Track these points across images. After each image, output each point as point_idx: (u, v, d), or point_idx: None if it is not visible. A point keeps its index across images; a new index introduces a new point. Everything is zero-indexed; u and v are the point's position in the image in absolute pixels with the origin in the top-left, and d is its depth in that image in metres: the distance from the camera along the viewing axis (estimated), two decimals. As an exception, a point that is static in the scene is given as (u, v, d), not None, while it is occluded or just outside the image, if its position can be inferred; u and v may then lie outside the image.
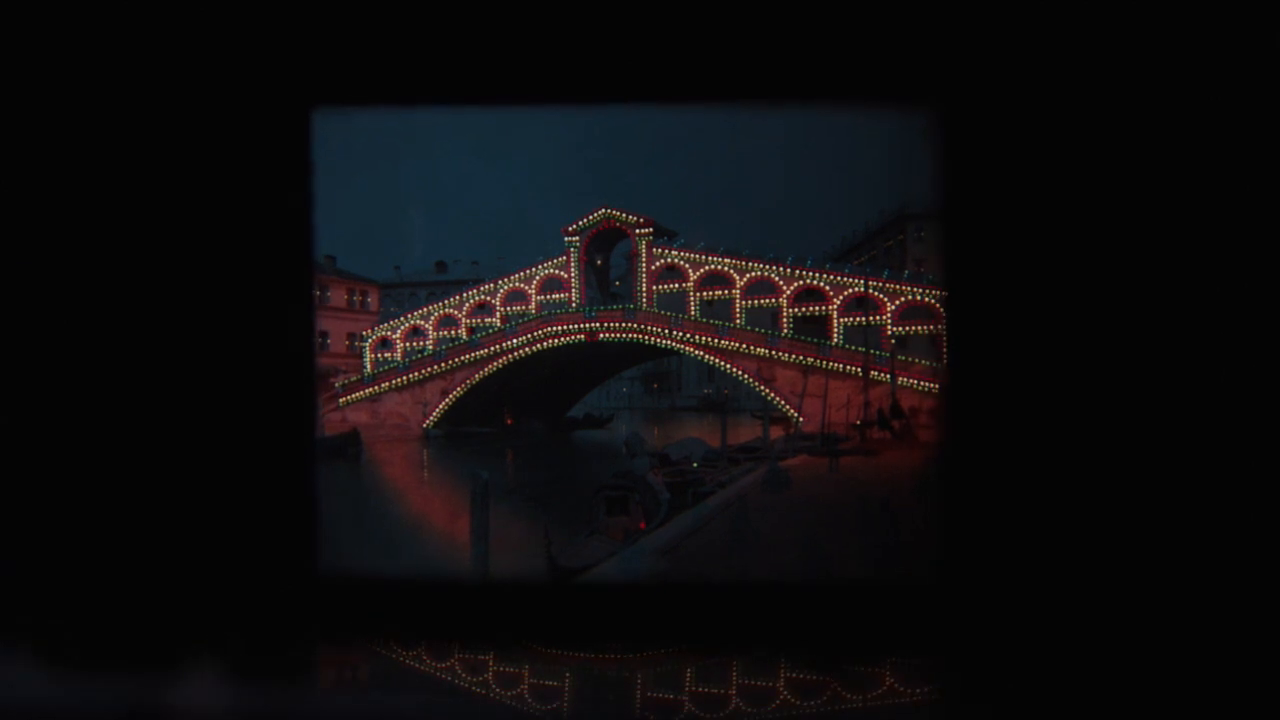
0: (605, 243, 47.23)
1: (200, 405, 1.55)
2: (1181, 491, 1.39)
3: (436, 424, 45.72)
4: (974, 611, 1.48)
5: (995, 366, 1.44)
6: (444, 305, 49.61)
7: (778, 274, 41.44)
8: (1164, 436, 1.39)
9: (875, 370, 35.51)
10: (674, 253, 43.68)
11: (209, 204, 1.54)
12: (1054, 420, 1.42)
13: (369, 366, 48.83)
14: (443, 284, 63.59)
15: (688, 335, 42.06)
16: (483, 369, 45.19)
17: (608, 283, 48.72)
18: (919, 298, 38.15)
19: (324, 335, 52.85)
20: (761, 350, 39.95)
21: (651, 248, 43.97)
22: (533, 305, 46.79)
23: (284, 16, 1.49)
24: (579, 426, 53.48)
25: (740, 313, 41.75)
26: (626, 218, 45.11)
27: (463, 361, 45.60)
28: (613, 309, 44.25)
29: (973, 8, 1.42)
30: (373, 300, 60.26)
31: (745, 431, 37.03)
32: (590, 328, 43.94)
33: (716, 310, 42.58)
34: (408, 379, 46.47)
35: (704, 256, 43.28)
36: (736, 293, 42.09)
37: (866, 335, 37.30)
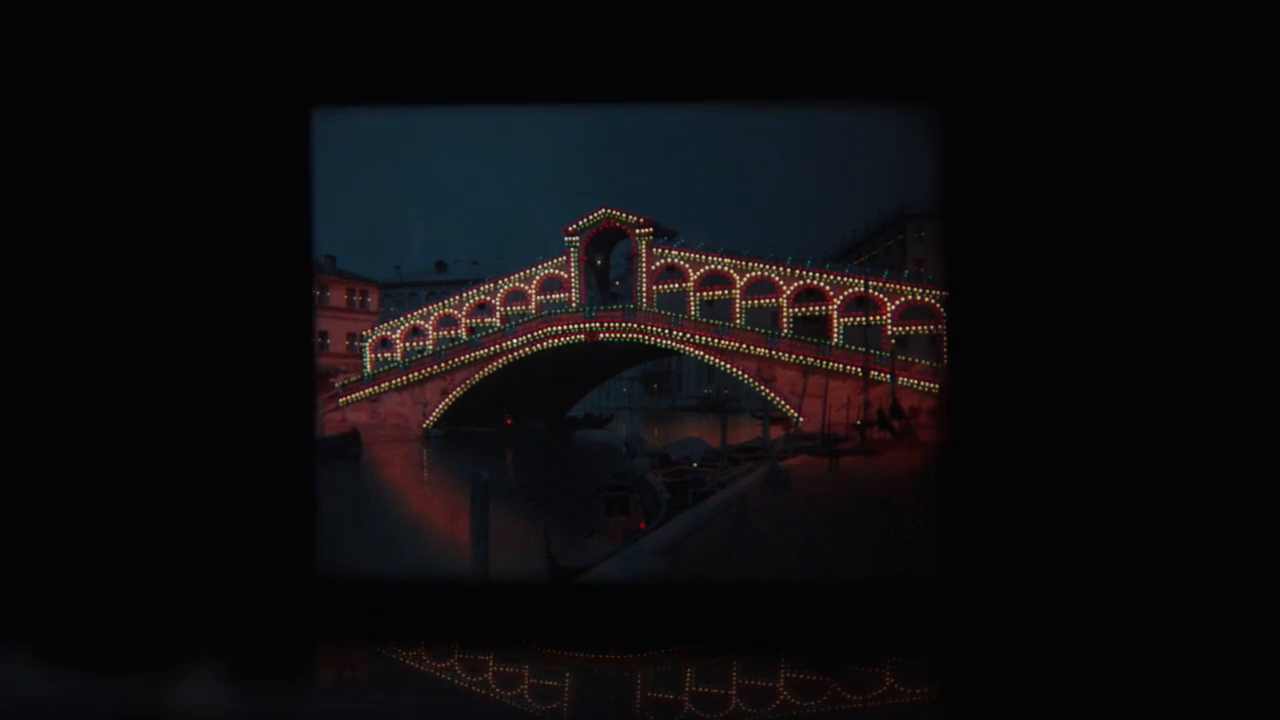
0: (605, 243, 47.22)
1: (199, 405, 1.55)
2: (1182, 491, 1.39)
3: (436, 424, 45.72)
4: (974, 612, 1.48)
5: (996, 366, 1.44)
6: (444, 305, 49.61)
7: (778, 274, 41.45)
8: (1165, 436, 1.39)
9: (875, 370, 35.51)
10: (674, 253, 43.68)
11: (208, 204, 1.54)
12: (1055, 420, 1.42)
13: (369, 366, 48.83)
14: (443, 284, 63.61)
15: (688, 335, 42.06)
16: (483, 369, 45.19)
17: (608, 283, 48.71)
18: (919, 298, 38.15)
19: (324, 335, 52.87)
20: (761, 350, 39.94)
21: (651, 248, 43.97)
22: (533, 305, 46.79)
23: (283, 16, 1.49)
24: (579, 426, 53.47)
25: (740, 313, 41.75)
26: (626, 218, 45.11)
27: (463, 361, 45.59)
28: (613, 309, 44.25)
29: (973, 7, 1.42)
30: (373, 300, 60.27)
31: (745, 431, 37.03)
32: (590, 328, 43.94)
33: (716, 310, 42.58)
34: (407, 379, 46.47)
35: (704, 256, 43.28)
36: (736, 293, 42.10)
37: (866, 335, 37.31)
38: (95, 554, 1.57)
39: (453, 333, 48.09)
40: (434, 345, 47.85)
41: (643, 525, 15.94)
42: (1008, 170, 1.42)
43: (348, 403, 46.66)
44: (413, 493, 29.82)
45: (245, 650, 1.59)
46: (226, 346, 1.56)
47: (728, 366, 41.40)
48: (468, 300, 48.79)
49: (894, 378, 34.70)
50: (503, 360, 44.93)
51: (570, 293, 45.96)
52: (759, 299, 41.72)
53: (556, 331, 44.33)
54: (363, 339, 51.59)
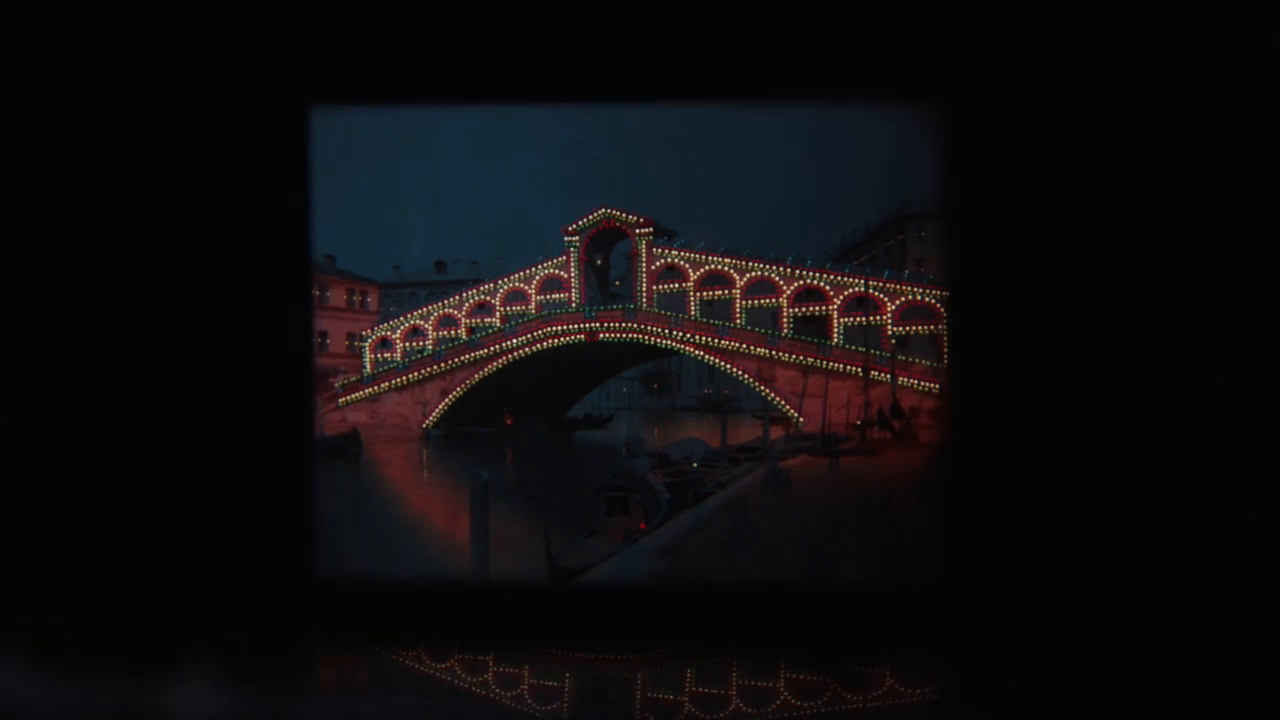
0: (605, 243, 47.22)
1: (198, 406, 1.55)
2: (1183, 492, 1.39)
3: (436, 424, 45.72)
4: (974, 612, 1.48)
5: (997, 366, 1.44)
6: (444, 305, 49.60)
7: (778, 274, 41.44)
8: (1166, 437, 1.39)
9: (875, 370, 35.52)
10: (674, 252, 43.68)
11: (207, 203, 1.53)
12: (1055, 421, 1.41)
13: (368, 366, 48.82)
14: (442, 284, 63.60)
15: (688, 335, 42.06)
16: (482, 369, 45.18)
17: (608, 283, 48.71)
18: (919, 298, 38.15)
19: (323, 335, 52.85)
20: (761, 350, 39.94)
21: (651, 247, 43.97)
22: (533, 305, 46.79)
23: (282, 14, 1.49)
24: (579, 426, 53.47)
25: (740, 313, 41.74)
26: (626, 217, 45.11)
27: (462, 361, 45.59)
28: (613, 309, 44.25)
29: (973, 7, 1.41)
30: (372, 300, 60.28)
31: (745, 431, 37.03)
32: (590, 328, 43.94)
33: (716, 310, 42.57)
34: (407, 379, 46.48)
35: (704, 256, 43.28)
36: (736, 293, 42.09)
37: (867, 335, 37.30)
38: (95, 555, 1.56)
39: (453, 333, 48.09)
40: (434, 345, 47.84)
41: (643, 525, 15.93)
42: (1009, 169, 1.42)
43: (347, 403, 46.65)
44: (412, 493, 29.81)
45: (245, 651, 1.58)
46: (225, 346, 1.55)
47: (728, 366, 41.40)
48: (468, 300, 48.78)
49: (894, 378, 34.70)
50: (503, 360, 44.93)
51: (570, 293, 45.96)
52: (759, 299, 41.72)
53: (556, 331, 44.33)
54: (362, 339, 51.59)
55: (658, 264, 43.88)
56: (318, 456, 1.70)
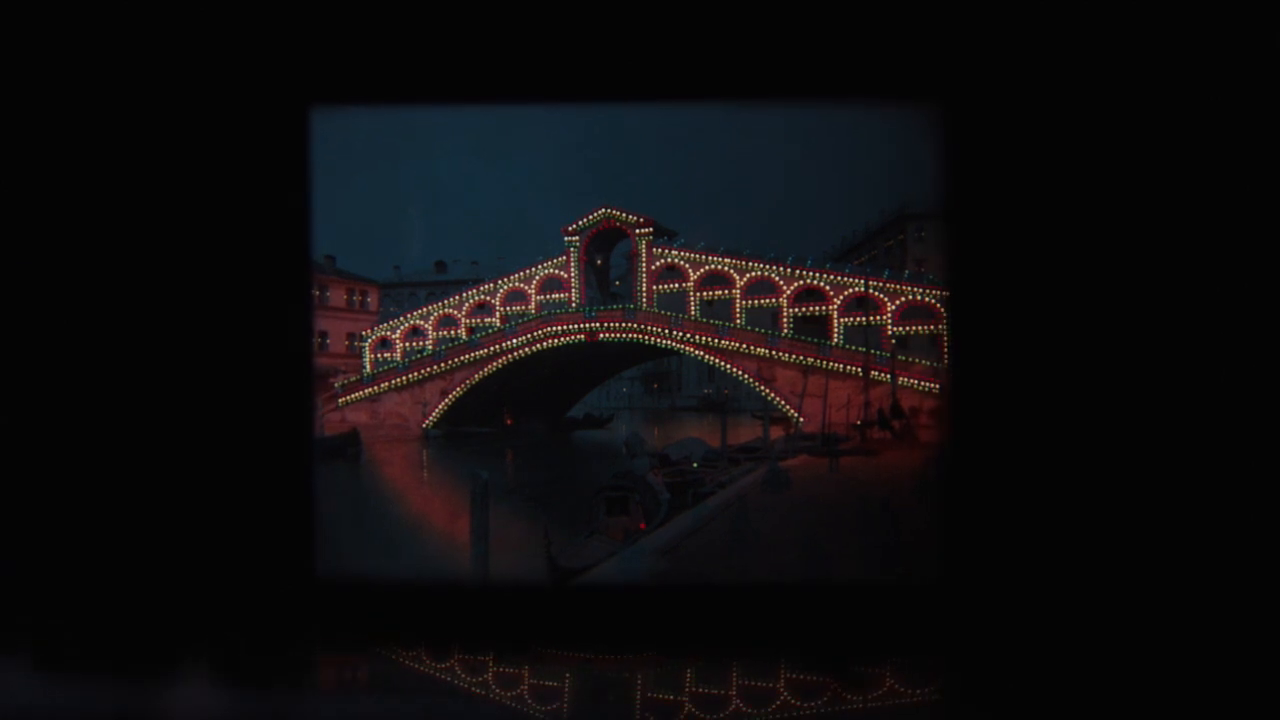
0: (605, 243, 47.22)
1: (198, 406, 1.55)
2: (1182, 492, 1.39)
3: (436, 424, 45.72)
4: (974, 612, 1.48)
5: (997, 366, 1.44)
6: (444, 305, 49.60)
7: (778, 274, 41.44)
8: (1166, 437, 1.39)
9: (876, 370, 35.53)
10: (674, 252, 43.68)
11: (206, 203, 1.53)
12: (1056, 421, 1.41)
13: (368, 366, 48.82)
14: (442, 284, 63.61)
15: (688, 335, 42.06)
16: (482, 369, 45.18)
17: (608, 283, 48.70)
18: (919, 298, 38.15)
19: (323, 335, 52.85)
20: (761, 350, 39.94)
21: (651, 247, 43.97)
22: (533, 305, 46.79)
23: (282, 14, 1.49)
24: (579, 426, 53.47)
25: (740, 313, 41.75)
26: (626, 217, 45.11)
27: (462, 361, 45.59)
28: (613, 309, 44.25)
29: (973, 7, 1.41)
30: (372, 300, 60.28)
31: (745, 431, 37.03)
32: (590, 328, 43.94)
33: (716, 310, 42.58)
34: (407, 379, 46.47)
35: (704, 256, 43.28)
36: (736, 293, 42.10)
37: (867, 335, 37.31)
38: (95, 555, 1.56)
39: (452, 333, 48.08)
40: (434, 345, 47.84)
41: (643, 525, 15.93)
42: (1009, 169, 1.42)
43: (347, 403, 46.65)
44: (412, 493, 29.81)
45: (245, 651, 1.58)
46: (225, 347, 1.55)
47: (728, 366, 41.41)
48: (467, 300, 48.78)
49: (894, 378, 34.70)
50: (502, 360, 44.92)
51: (570, 293, 45.96)
52: (759, 299, 41.72)
53: (556, 331, 44.33)
54: (362, 339, 51.58)
55: (658, 264, 43.88)
56: (318, 456, 1.70)
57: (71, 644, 1.55)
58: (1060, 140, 1.40)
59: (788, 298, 41.14)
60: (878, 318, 38.70)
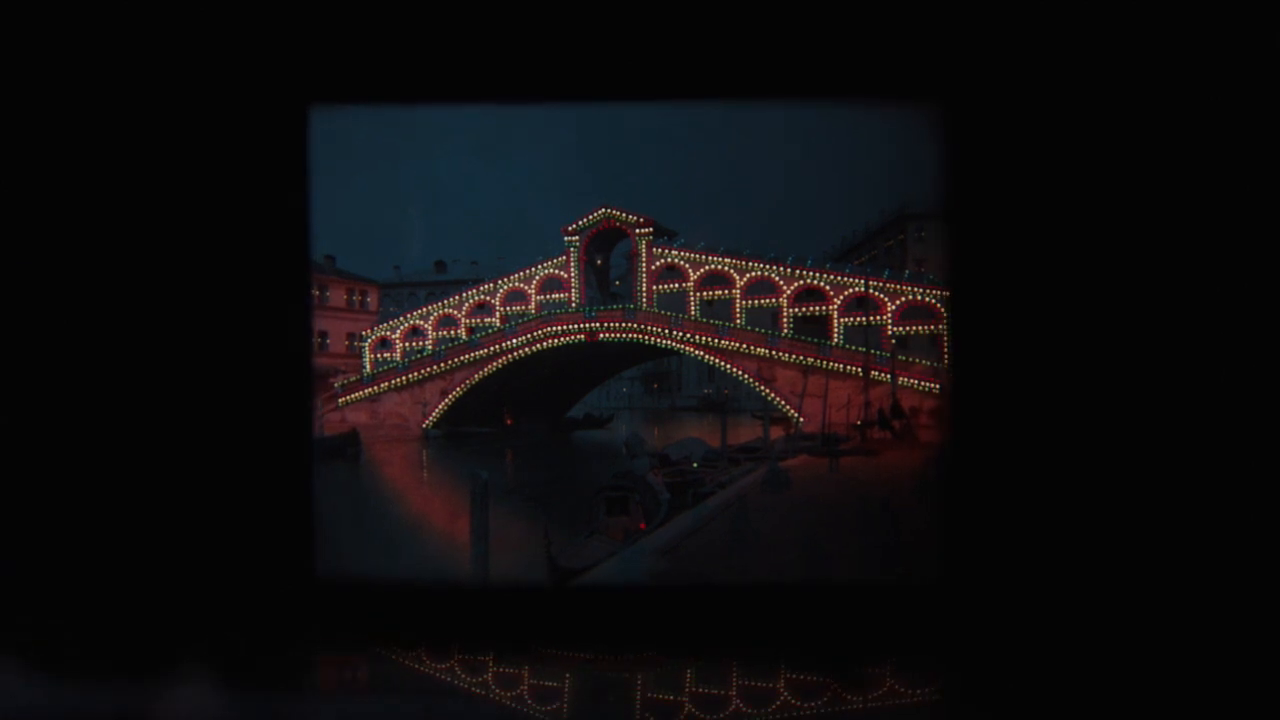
0: (605, 243, 47.21)
1: (197, 406, 1.55)
2: (1182, 493, 1.39)
3: (436, 424, 45.72)
4: (974, 612, 1.48)
5: (998, 366, 1.44)
6: (444, 305, 49.59)
7: (778, 274, 41.44)
8: (1166, 437, 1.39)
9: (876, 370, 35.53)
10: (674, 252, 43.68)
11: (206, 203, 1.53)
12: (1056, 421, 1.41)
13: (368, 366, 48.82)
14: (442, 284, 63.61)
15: (688, 335, 42.06)
16: (482, 369, 45.18)
17: (608, 283, 48.69)
18: (919, 298, 38.15)
19: (323, 335, 52.84)
20: (761, 350, 39.94)
21: (651, 247, 43.96)
22: (532, 305, 46.78)
23: (282, 14, 1.49)
24: (579, 426, 53.46)
25: (740, 313, 41.74)
26: (626, 217, 45.10)
27: (462, 361, 45.59)
28: (613, 309, 44.24)
29: (974, 7, 1.41)
30: (372, 300, 60.28)
31: (745, 431, 37.03)
32: (590, 328, 43.93)
33: (716, 310, 42.57)
34: (407, 379, 46.47)
35: (704, 256, 43.28)
36: (736, 293, 42.09)
37: (867, 335, 37.30)
38: (95, 556, 1.56)
39: (452, 333, 48.08)
40: (434, 345, 47.83)
41: (643, 525, 15.93)
42: (1010, 169, 1.41)
43: (347, 403, 46.65)
44: (412, 493, 29.81)
45: (245, 651, 1.58)
46: (224, 347, 1.55)
47: (728, 366, 41.41)
48: (467, 300, 48.78)
49: (894, 378, 34.71)
50: (502, 360, 44.92)
51: (570, 293, 45.95)
52: (759, 299, 41.72)
53: (556, 331, 44.33)
54: (362, 339, 51.58)
55: (658, 264, 43.87)
56: (317, 456, 1.70)
57: (71, 644, 1.55)
58: (1060, 140, 1.40)
59: (788, 298, 41.14)
60: (878, 318, 38.70)
